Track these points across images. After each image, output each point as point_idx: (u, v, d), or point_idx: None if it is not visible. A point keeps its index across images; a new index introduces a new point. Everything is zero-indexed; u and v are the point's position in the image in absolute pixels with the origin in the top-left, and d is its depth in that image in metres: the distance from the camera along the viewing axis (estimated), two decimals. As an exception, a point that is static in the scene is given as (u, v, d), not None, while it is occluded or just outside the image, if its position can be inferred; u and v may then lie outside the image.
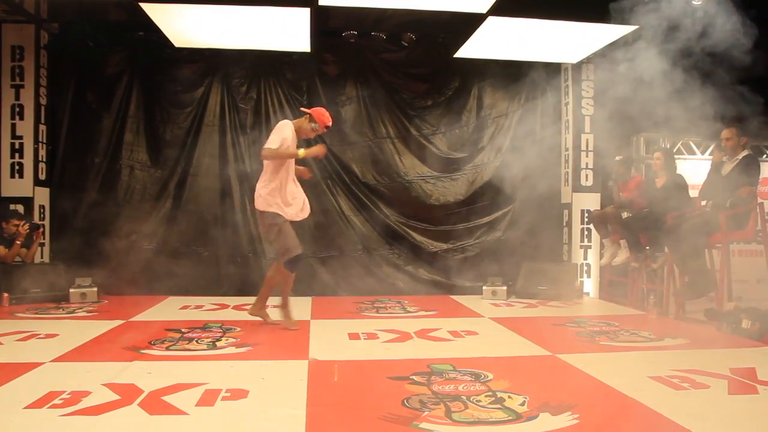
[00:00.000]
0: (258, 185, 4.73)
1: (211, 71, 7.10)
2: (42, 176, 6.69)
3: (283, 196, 4.69)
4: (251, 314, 5.05)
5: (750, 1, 5.38)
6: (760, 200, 5.68)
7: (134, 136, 7.01)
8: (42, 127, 6.68)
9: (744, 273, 6.73)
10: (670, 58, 6.56)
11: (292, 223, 4.75)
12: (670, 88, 6.26)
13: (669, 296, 6.09)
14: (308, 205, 4.90)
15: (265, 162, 4.68)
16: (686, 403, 2.97)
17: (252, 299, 6.27)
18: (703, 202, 5.79)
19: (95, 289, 6.11)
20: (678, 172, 6.21)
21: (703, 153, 7.82)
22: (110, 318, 5.19)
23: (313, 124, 4.72)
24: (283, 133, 4.57)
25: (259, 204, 4.69)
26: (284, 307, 4.90)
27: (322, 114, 4.76)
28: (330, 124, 4.79)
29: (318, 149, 4.76)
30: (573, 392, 3.12)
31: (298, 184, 4.87)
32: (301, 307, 6.03)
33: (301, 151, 4.63)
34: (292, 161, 4.77)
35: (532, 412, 2.78)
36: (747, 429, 2.67)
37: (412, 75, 7.40)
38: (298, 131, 4.72)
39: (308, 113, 4.75)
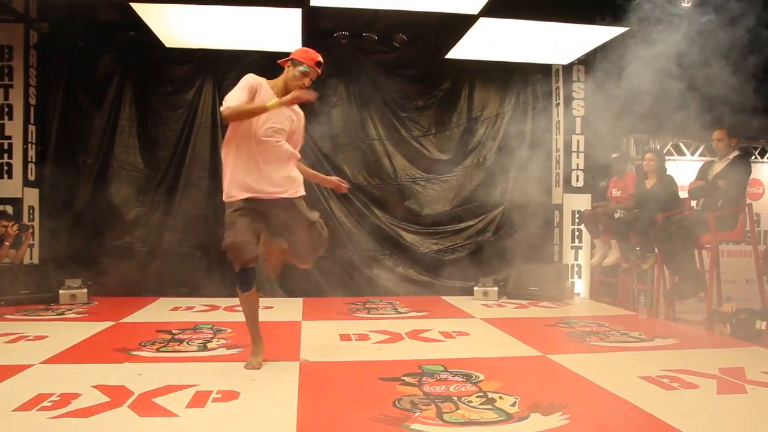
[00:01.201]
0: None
1: (203, 72, 7.07)
2: (31, 177, 6.65)
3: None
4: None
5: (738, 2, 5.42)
6: (748, 201, 5.72)
7: (126, 137, 6.95)
8: (31, 128, 6.63)
9: (733, 273, 6.77)
10: (660, 59, 6.60)
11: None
12: (660, 90, 6.31)
13: (659, 297, 6.13)
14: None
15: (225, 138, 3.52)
16: (676, 402, 2.99)
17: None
18: (693, 203, 5.83)
19: (85, 290, 6.07)
20: (668, 173, 6.26)
21: (692, 154, 7.86)
22: (100, 319, 5.16)
23: (300, 68, 3.52)
24: (246, 83, 3.44)
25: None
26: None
27: (305, 51, 3.63)
28: (320, 59, 3.62)
29: (298, 92, 3.39)
30: (564, 392, 3.14)
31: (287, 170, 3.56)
32: (292, 307, 6.04)
33: (273, 101, 3.32)
34: (274, 144, 3.47)
35: (523, 413, 2.79)
36: (736, 428, 2.69)
37: (404, 76, 7.40)
38: (280, 90, 3.53)
39: (287, 59, 3.59)
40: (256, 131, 3.41)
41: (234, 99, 3.35)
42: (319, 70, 3.64)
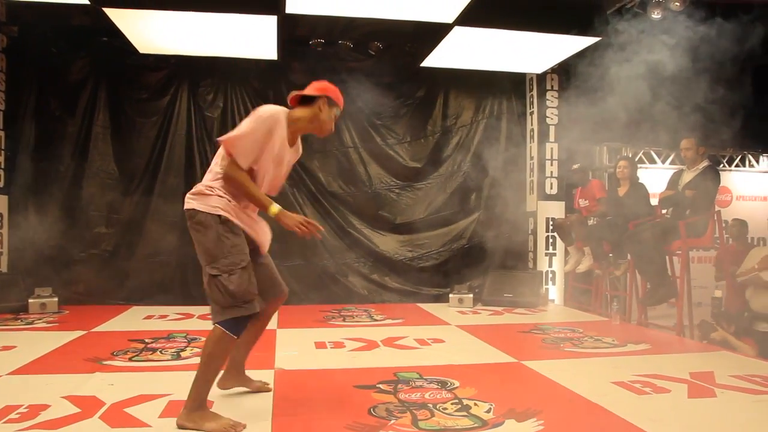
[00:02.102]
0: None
1: (177, 79, 7.02)
2: (0, 184, 6.51)
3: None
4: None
5: (708, 14, 5.55)
6: (717, 208, 5.84)
7: (100, 143, 6.85)
8: (0, 134, 6.50)
9: (703, 279, 6.89)
10: (632, 69, 6.71)
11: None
12: (633, 99, 6.41)
13: (632, 302, 6.21)
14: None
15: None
16: (648, 407, 3.03)
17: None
18: (664, 211, 5.93)
19: (55, 299, 5.97)
20: (640, 180, 6.36)
21: (663, 162, 8.01)
22: (71, 329, 5.07)
23: (336, 110, 3.05)
24: (265, 127, 2.82)
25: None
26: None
27: (338, 93, 3.08)
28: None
29: (302, 221, 2.84)
30: (538, 399, 3.16)
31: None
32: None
33: (276, 210, 2.80)
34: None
35: (498, 419, 2.81)
36: (705, 431, 2.73)
37: (379, 84, 7.41)
38: (303, 125, 3.01)
39: (321, 96, 3.00)
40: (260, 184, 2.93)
41: (246, 154, 2.79)
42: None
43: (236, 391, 3.25)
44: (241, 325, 2.76)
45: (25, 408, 2.87)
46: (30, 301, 5.88)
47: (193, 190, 2.89)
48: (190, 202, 2.86)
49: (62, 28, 6.57)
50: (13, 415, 2.76)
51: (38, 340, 4.55)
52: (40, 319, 5.57)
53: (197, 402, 2.72)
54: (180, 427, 2.68)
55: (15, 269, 6.41)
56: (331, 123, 3.05)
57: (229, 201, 2.82)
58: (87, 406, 2.92)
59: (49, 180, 6.69)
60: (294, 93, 3.08)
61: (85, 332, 4.97)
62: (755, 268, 5.28)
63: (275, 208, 2.81)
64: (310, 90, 3.04)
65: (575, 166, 6.94)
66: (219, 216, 2.77)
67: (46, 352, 4.16)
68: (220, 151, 2.92)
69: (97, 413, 2.82)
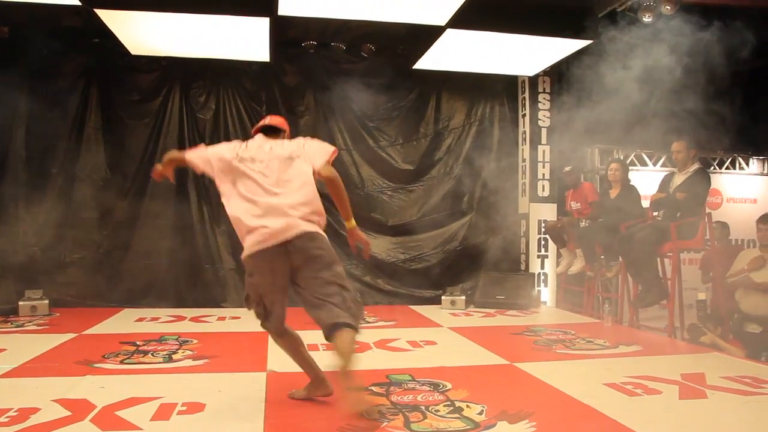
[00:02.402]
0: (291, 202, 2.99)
1: (169, 80, 6.99)
2: (-9, 185, 6.47)
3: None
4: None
5: (698, 18, 5.59)
6: (708, 210, 5.87)
7: (92, 145, 6.81)
8: (-9, 135, 6.46)
9: (694, 281, 6.91)
10: (623, 72, 6.74)
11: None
12: (624, 102, 6.45)
13: (623, 304, 6.24)
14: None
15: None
16: (639, 408, 3.05)
17: (209, 311, 6.22)
18: (655, 213, 5.95)
19: (46, 301, 5.93)
20: (631, 183, 6.39)
21: (654, 164, 8.04)
22: (62, 331, 5.04)
23: None
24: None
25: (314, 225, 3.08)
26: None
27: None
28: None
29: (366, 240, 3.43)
30: (530, 400, 3.16)
31: None
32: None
33: (352, 225, 3.30)
34: None
35: (490, 421, 2.81)
36: (697, 433, 2.75)
37: (371, 86, 7.42)
38: None
39: (285, 129, 3.41)
40: None
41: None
42: None
43: (229, 392, 3.25)
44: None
45: (15, 411, 2.84)
46: (20, 303, 5.84)
47: (303, 215, 2.99)
48: (312, 226, 3.01)
49: (54, 30, 6.52)
50: (2, 419, 2.74)
51: (28, 343, 4.52)
52: (30, 322, 5.53)
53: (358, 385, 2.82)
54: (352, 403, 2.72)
55: (5, 271, 6.35)
56: None
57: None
58: (78, 409, 2.90)
59: (40, 181, 6.63)
60: (261, 124, 3.29)
61: (76, 335, 4.94)
62: (745, 269, 5.31)
63: (350, 224, 3.26)
64: (277, 122, 3.34)
65: (567, 169, 6.95)
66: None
67: (37, 355, 4.13)
68: (303, 171, 3.06)
69: (88, 416, 2.80)
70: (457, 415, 2.90)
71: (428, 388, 3.36)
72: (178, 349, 4.40)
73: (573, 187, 6.95)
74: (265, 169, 2.94)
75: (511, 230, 7.67)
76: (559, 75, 7.47)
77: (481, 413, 2.92)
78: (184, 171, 6.82)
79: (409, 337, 5.01)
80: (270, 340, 4.78)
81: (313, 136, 7.22)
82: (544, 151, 7.52)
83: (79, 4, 5.27)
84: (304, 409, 3.04)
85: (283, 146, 3.06)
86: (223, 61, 6.77)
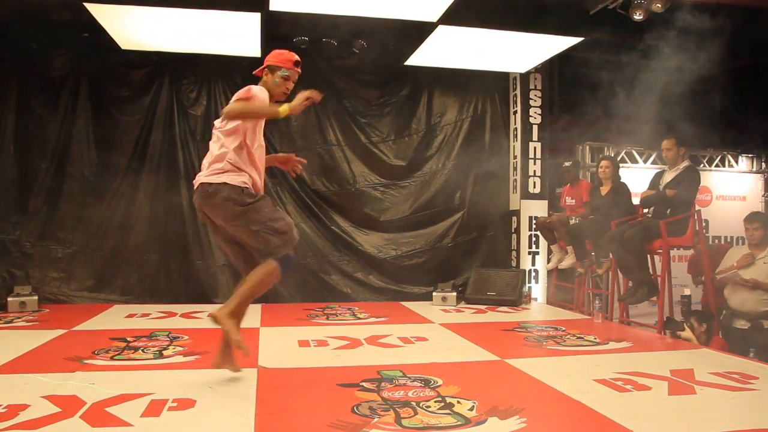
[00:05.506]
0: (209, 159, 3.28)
1: (160, 75, 6.93)
2: (-20, 181, 6.41)
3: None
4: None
5: (689, 16, 5.62)
6: (698, 207, 5.91)
7: (82, 140, 6.74)
8: (-20, 130, 6.40)
9: (684, 278, 6.95)
10: (614, 69, 6.77)
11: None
12: (615, 99, 6.48)
13: (613, 301, 6.27)
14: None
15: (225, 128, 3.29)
16: (629, 404, 3.07)
17: (200, 307, 6.19)
18: (645, 210, 5.98)
19: (36, 297, 5.88)
20: (622, 180, 6.42)
21: (645, 162, 8.08)
22: (51, 327, 5.00)
23: (279, 73, 3.41)
24: (253, 92, 3.24)
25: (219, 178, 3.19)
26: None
27: (279, 53, 3.46)
28: (297, 58, 3.50)
29: (306, 94, 3.28)
30: (521, 396, 3.18)
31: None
32: (250, 314, 5.95)
33: (284, 107, 3.17)
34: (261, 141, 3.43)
35: (481, 417, 2.82)
36: (686, 428, 2.76)
37: (363, 82, 7.41)
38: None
39: (263, 68, 3.45)
40: (258, 135, 3.39)
41: (262, 101, 3.23)
42: (299, 70, 3.51)
43: (220, 388, 3.24)
44: (289, 264, 3.32)
45: (4, 408, 2.83)
46: (9, 299, 5.79)
47: (211, 169, 3.21)
48: (220, 177, 3.17)
49: (43, 23, 6.46)
50: (-9, 415, 2.73)
51: (17, 339, 4.48)
52: (19, 318, 5.49)
53: (235, 313, 3.17)
54: (214, 318, 3.12)
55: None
56: (281, 86, 3.42)
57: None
58: (67, 405, 2.89)
59: (30, 177, 6.58)
60: (255, 72, 3.51)
61: (65, 331, 4.91)
62: (734, 266, 5.35)
63: (283, 108, 3.17)
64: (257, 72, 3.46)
65: (567, 164, 6.97)
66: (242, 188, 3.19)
67: (26, 351, 4.10)
68: (220, 135, 3.28)
69: (78, 413, 2.79)
70: (448, 411, 2.90)
71: (419, 384, 3.37)
72: (168, 345, 4.39)
73: (571, 183, 6.95)
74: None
75: (502, 227, 7.69)
76: (549, 72, 7.49)
77: (471, 409, 2.93)
78: (175, 166, 6.83)
79: (400, 333, 5.02)
80: (261, 335, 4.81)
81: (304, 131, 7.27)
82: (535, 148, 7.54)
83: (69, -3, 5.24)
84: (296, 405, 3.04)
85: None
86: (214, 57, 6.73)
